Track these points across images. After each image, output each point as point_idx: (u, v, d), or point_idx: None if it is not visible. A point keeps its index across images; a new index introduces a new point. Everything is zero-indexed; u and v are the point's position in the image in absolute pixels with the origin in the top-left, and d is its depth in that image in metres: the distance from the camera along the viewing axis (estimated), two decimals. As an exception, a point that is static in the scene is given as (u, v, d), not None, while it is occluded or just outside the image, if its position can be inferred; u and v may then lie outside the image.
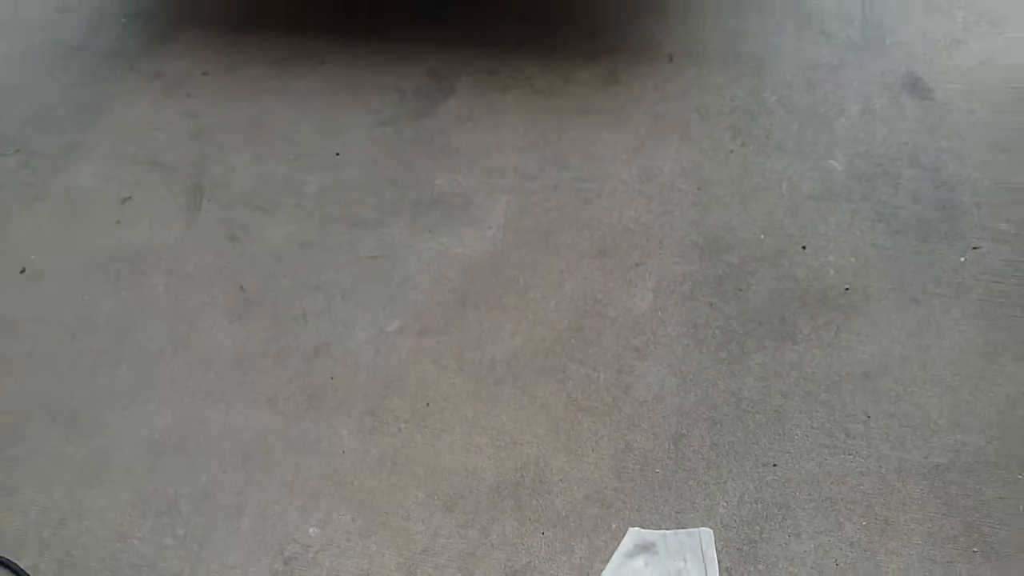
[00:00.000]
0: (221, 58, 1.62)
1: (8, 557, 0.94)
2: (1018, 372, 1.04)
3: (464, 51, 1.58)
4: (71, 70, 1.62)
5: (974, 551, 0.89)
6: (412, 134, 1.43)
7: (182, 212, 1.33)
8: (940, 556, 0.89)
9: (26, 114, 1.54)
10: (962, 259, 1.17)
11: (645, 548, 0.91)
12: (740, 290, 1.16)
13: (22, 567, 0.93)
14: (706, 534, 0.92)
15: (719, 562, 0.89)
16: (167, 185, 1.37)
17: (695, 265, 1.19)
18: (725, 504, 0.94)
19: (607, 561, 0.90)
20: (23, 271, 1.26)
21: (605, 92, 1.48)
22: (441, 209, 1.30)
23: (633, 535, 0.92)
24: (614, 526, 0.93)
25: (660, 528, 0.93)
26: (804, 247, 1.20)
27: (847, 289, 1.14)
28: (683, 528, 0.92)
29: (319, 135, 1.44)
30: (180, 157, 1.42)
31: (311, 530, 0.95)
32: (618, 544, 0.92)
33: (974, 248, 1.19)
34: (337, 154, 1.40)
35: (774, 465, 0.97)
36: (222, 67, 1.60)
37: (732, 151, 1.35)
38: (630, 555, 0.91)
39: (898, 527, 0.91)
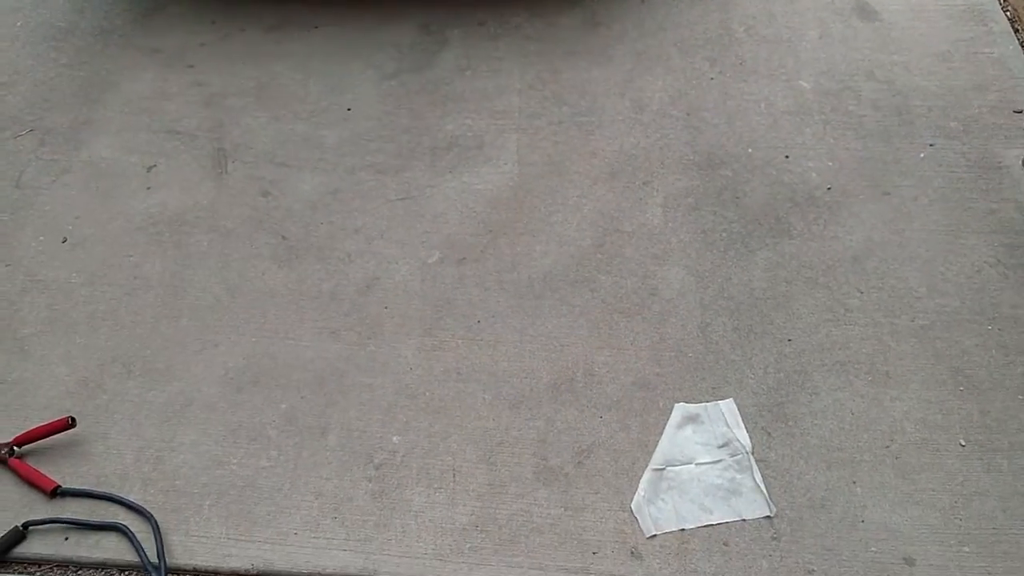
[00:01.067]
0: (214, 28, 1.67)
1: (117, 494, 1.02)
2: (979, 244, 1.21)
3: (452, 5, 1.66)
4: (65, 51, 1.65)
5: (960, 390, 1.06)
6: (416, 85, 1.51)
7: (209, 174, 1.39)
8: (934, 397, 1.06)
9: (30, 96, 1.56)
10: (921, 155, 1.34)
11: (691, 419, 1.05)
12: (737, 198, 1.30)
13: (132, 501, 1.01)
14: (727, 403, 1.06)
15: (756, 422, 1.04)
16: (189, 151, 1.43)
17: (695, 180, 1.32)
18: (752, 376, 1.09)
19: (660, 434, 1.04)
20: (64, 240, 1.31)
21: (588, 34, 1.59)
22: (457, 151, 1.40)
23: (679, 409, 1.06)
24: (661, 404, 1.07)
25: (700, 402, 1.07)
26: (787, 156, 1.35)
27: (829, 189, 1.30)
28: (721, 400, 1.07)
29: (328, 93, 1.51)
30: (196, 124, 1.48)
31: (394, 438, 1.06)
32: (667, 419, 1.05)
33: (930, 145, 1.35)
34: (349, 109, 1.48)
35: (789, 340, 1.12)
36: (217, 37, 1.65)
37: (712, 78, 1.49)
38: (679, 426, 1.05)
39: (898, 378, 1.08)
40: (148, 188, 1.38)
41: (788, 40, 1.55)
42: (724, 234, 1.25)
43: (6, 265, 1.28)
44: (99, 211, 1.35)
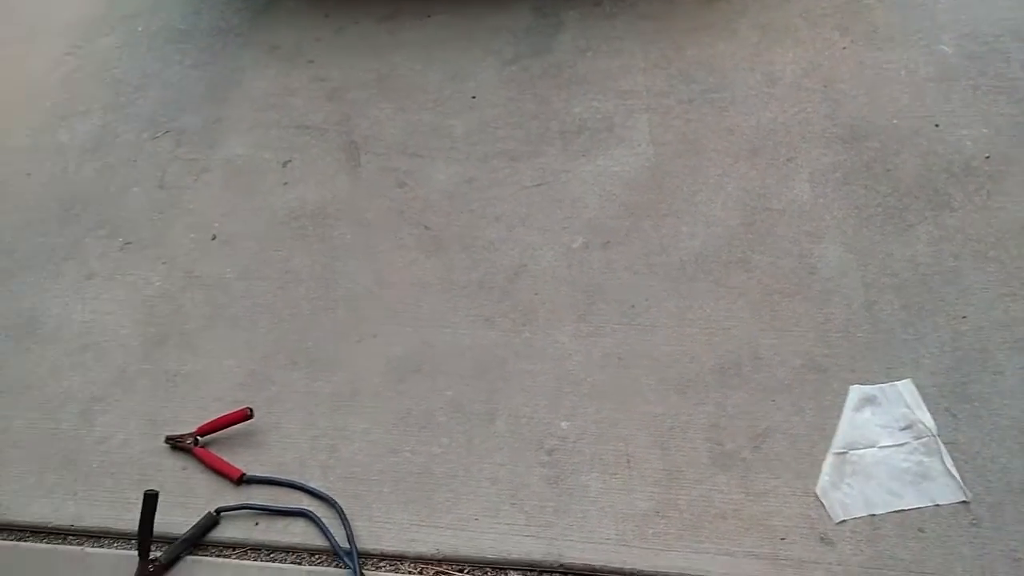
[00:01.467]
0: (328, 22, 1.68)
1: (300, 481, 1.05)
2: None
3: (565, -13, 1.65)
4: (188, 52, 1.68)
5: None
6: (537, 70, 1.50)
7: (344, 167, 1.41)
8: None
9: (162, 97, 1.60)
10: (1084, 119, 1.27)
11: (868, 401, 1.03)
12: (888, 170, 1.25)
13: (315, 488, 1.04)
14: (905, 384, 1.03)
15: (938, 404, 1.01)
16: (321, 145, 1.45)
17: (841, 155, 1.28)
18: (928, 356, 1.05)
19: (837, 417, 1.02)
20: (214, 237, 1.34)
21: (708, 9, 1.55)
22: (588, 134, 1.38)
23: (855, 391, 1.03)
24: (834, 386, 1.04)
25: (876, 383, 1.04)
26: (937, 125, 1.29)
27: (988, 157, 1.24)
28: (898, 381, 1.04)
29: (449, 81, 1.51)
30: (324, 118, 1.50)
31: (563, 424, 1.06)
32: (843, 401, 1.03)
33: (1092, 108, 1.28)
34: (473, 97, 1.48)
35: (963, 317, 1.08)
36: (332, 31, 1.66)
37: (845, 48, 1.44)
38: (857, 409, 1.02)
39: (1085, 353, 1.03)
40: (285, 183, 1.41)
41: (922, 3, 1.49)
42: (879, 209, 1.21)
43: (163, 263, 1.32)
44: (242, 207, 1.38)
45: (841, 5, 1.51)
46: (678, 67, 1.46)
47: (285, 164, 1.44)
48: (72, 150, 1.55)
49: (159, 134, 1.53)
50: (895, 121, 1.31)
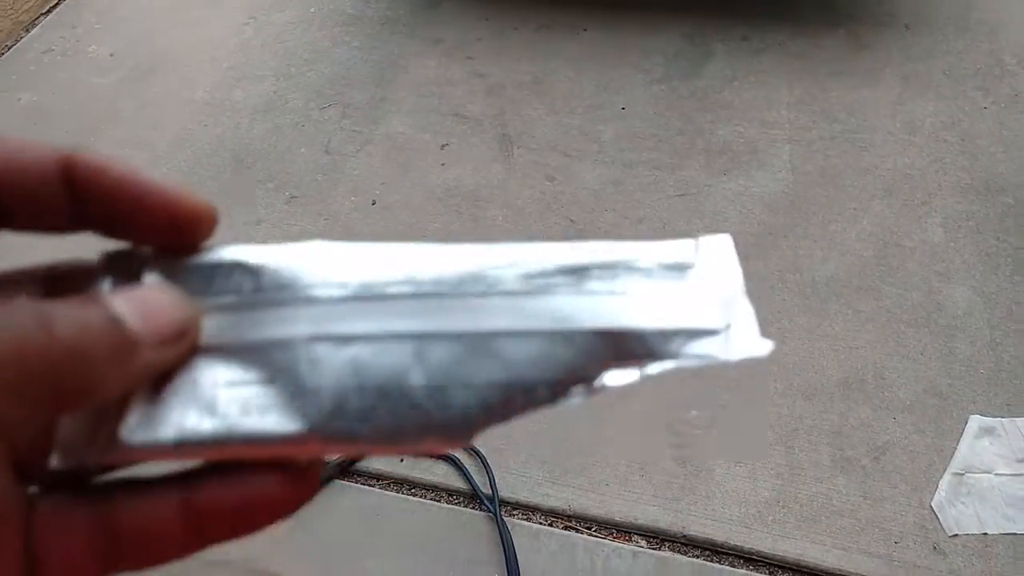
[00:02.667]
0: (488, 25, 1.81)
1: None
2: None
3: (714, 19, 1.75)
4: (357, 36, 1.83)
5: None
6: (685, 91, 1.61)
7: (497, 157, 1.53)
8: None
9: (330, 73, 1.75)
10: None
11: (987, 431, 1.09)
12: (1021, 225, 1.32)
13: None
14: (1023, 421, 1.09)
15: (1055, 442, 1.07)
16: (476, 134, 1.57)
17: (975, 205, 1.35)
18: (1047, 398, 1.11)
19: (956, 441, 1.08)
20: (374, 203, 1.47)
21: (854, 56, 1.64)
22: (730, 155, 1.47)
23: (975, 420, 1.10)
24: (954, 414, 1.11)
25: (996, 416, 1.10)
26: (1071, 191, 1.36)
27: (1120, 227, 1.30)
28: (1017, 417, 1.10)
29: (600, 91, 1.63)
30: (480, 110, 1.62)
31: (692, 411, 1.14)
32: (962, 428, 1.09)
33: None
34: (622, 108, 1.59)
35: (1086, 368, 1.14)
36: (492, 33, 1.79)
37: (985, 108, 1.51)
38: (976, 436, 1.09)
39: None
40: (442, 164, 1.53)
41: (1062, 76, 1.55)
42: (1009, 259, 1.27)
43: (325, 219, 1.45)
44: (401, 180, 1.51)
45: (984, 68, 1.58)
46: (821, 105, 1.54)
47: (443, 147, 1.56)
48: (245, 109, 1.70)
49: (326, 105, 1.67)
50: (1029, 181, 1.38)
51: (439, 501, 1.10)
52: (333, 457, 1.13)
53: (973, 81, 1.56)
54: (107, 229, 0.21)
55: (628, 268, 0.23)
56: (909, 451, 1.08)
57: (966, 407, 1.11)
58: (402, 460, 1.13)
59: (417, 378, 0.20)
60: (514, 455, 1.11)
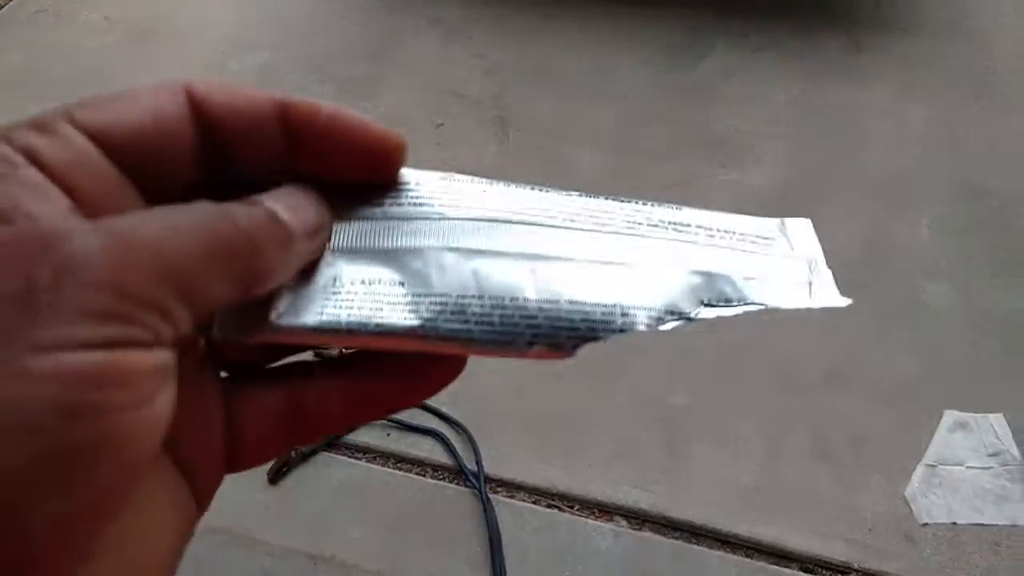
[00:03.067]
0: (489, 9, 1.81)
1: (432, 404, 1.16)
2: None
3: (716, 16, 1.76)
4: (354, 11, 1.82)
5: None
6: (684, 84, 1.62)
7: (494, 139, 1.53)
8: None
9: (327, 48, 1.74)
10: None
11: (961, 426, 1.12)
12: (1004, 229, 1.35)
13: (447, 413, 1.15)
14: (997, 417, 1.12)
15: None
16: (472, 115, 1.58)
17: (960, 206, 1.38)
18: (1021, 396, 1.14)
19: (930, 435, 1.11)
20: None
21: (852, 58, 1.66)
22: (725, 149, 1.49)
23: (949, 415, 1.13)
24: (930, 408, 1.13)
25: (970, 412, 1.13)
26: (1054, 198, 1.39)
27: (1099, 234, 1.33)
28: (990, 413, 1.13)
29: (600, 79, 1.63)
30: (479, 91, 1.62)
31: (678, 398, 1.16)
32: (937, 422, 1.12)
33: None
34: (622, 97, 1.60)
35: (1060, 369, 1.17)
36: (493, 15, 1.79)
37: (976, 113, 1.54)
38: (950, 431, 1.11)
39: None
40: (438, 143, 1.53)
41: (1051, 85, 1.58)
42: (991, 260, 1.30)
43: (320, 193, 1.45)
44: (396, 157, 1.51)
45: (977, 74, 1.61)
46: (817, 105, 1.56)
47: (438, 126, 1.56)
48: (241, 80, 1.69)
49: (323, 79, 1.66)
50: (1016, 185, 1.41)
51: (424, 476, 1.11)
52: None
53: (965, 87, 1.58)
54: (318, 166, 0.23)
55: (724, 231, 0.26)
56: (885, 442, 1.10)
57: (942, 403, 1.14)
58: (388, 435, 1.14)
59: (531, 292, 0.22)
60: (500, 433, 1.13)
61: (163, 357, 0.17)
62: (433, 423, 1.14)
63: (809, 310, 0.25)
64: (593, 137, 1.52)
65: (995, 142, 1.47)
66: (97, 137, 0.19)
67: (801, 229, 0.29)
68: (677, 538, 1.03)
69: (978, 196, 1.39)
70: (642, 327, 0.22)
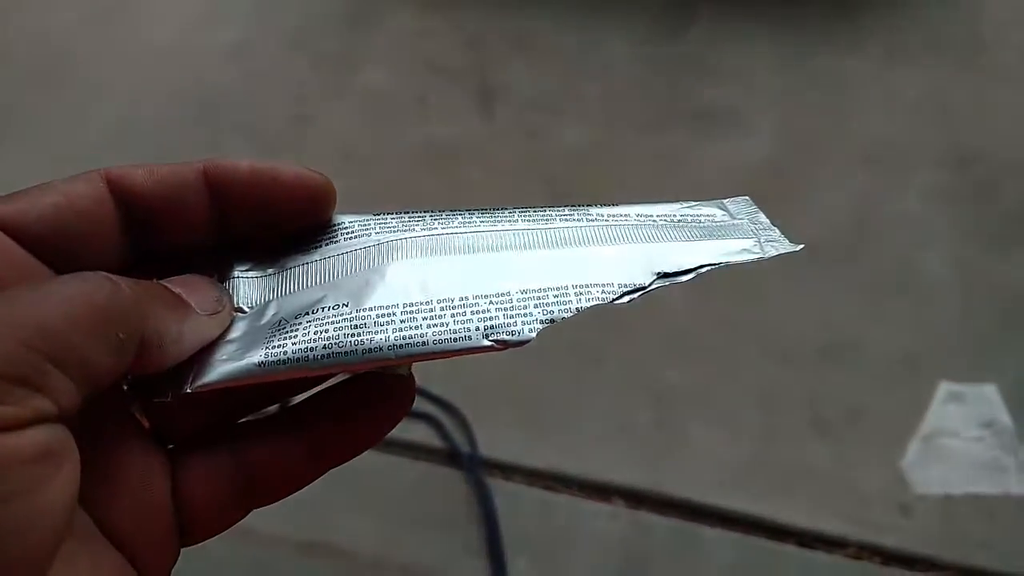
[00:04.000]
0: (468, -24, 1.76)
1: (425, 387, 1.13)
2: None
3: (699, -22, 1.72)
4: (331, -19, 1.76)
5: None
6: (670, 52, 1.58)
7: (476, 112, 1.49)
8: None
9: (301, 20, 1.69)
10: None
11: (955, 397, 1.11)
12: (993, 196, 1.34)
13: (440, 395, 1.13)
14: (990, 388, 1.12)
15: (1021, 410, 1.10)
16: (455, 88, 1.54)
17: (950, 175, 1.37)
18: (1014, 366, 1.14)
19: (925, 407, 1.11)
20: (347, 156, 1.43)
21: (840, 22, 1.63)
22: (712, 119, 1.46)
23: (945, 387, 1.12)
24: (925, 380, 1.13)
25: (964, 383, 1.13)
26: (1043, 164, 1.38)
27: (1089, 200, 1.32)
28: (984, 384, 1.13)
29: (584, 49, 1.59)
30: (461, 64, 1.58)
31: (670, 375, 1.15)
32: (932, 394, 1.12)
33: None
34: (605, 67, 1.56)
35: (1052, 337, 1.17)
36: (472, -16, 1.74)
37: (963, 79, 1.52)
38: (944, 402, 1.11)
39: None
40: (420, 118, 1.49)
41: (1038, 49, 1.56)
42: (983, 229, 1.29)
43: (299, 172, 1.41)
44: (376, 133, 1.47)
45: (964, 40, 1.59)
46: (804, 71, 1.54)
47: (420, 100, 1.52)
48: (212, 55, 1.63)
49: (298, 54, 1.61)
50: (1006, 153, 1.39)
51: (417, 460, 1.09)
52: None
53: (953, 53, 1.56)
54: (249, 222, 0.23)
55: (663, 215, 0.27)
56: (881, 415, 1.10)
57: (936, 374, 1.13)
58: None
59: (479, 288, 0.23)
60: (492, 415, 1.11)
61: (44, 435, 0.16)
62: (425, 407, 1.12)
63: (762, 260, 0.26)
64: (578, 110, 1.49)
65: (984, 110, 1.46)
66: (9, 227, 0.19)
67: (741, 204, 0.30)
68: (674, 517, 1.02)
69: (967, 164, 1.38)
70: (596, 302, 0.23)
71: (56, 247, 0.20)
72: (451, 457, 1.08)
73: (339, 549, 1.01)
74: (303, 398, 0.24)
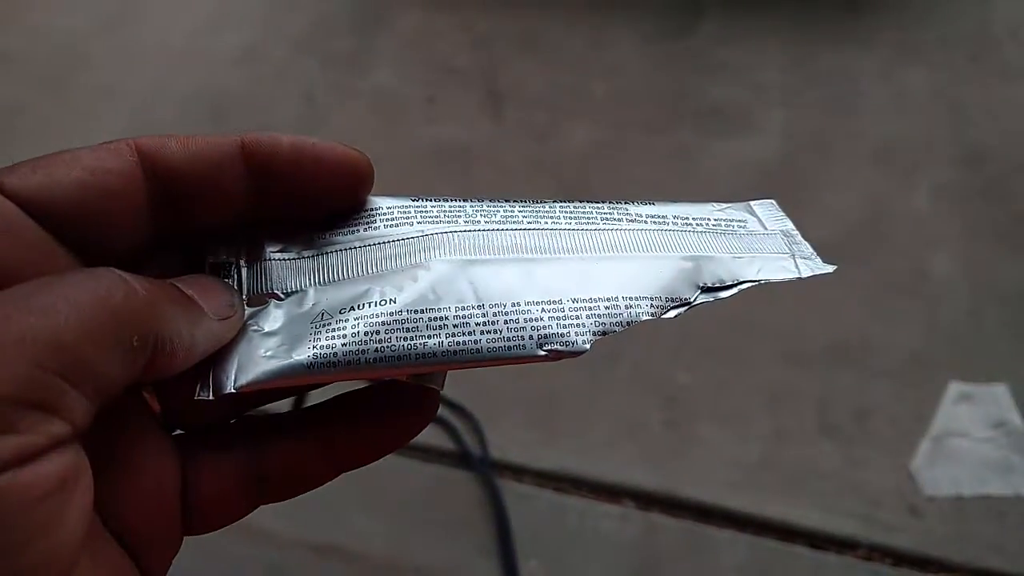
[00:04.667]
0: (476, -25, 1.76)
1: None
2: None
3: (708, -24, 1.72)
4: (339, -19, 1.77)
5: None
6: (678, 50, 1.58)
7: (485, 113, 1.50)
8: None
9: (311, 23, 1.69)
10: None
11: (965, 398, 1.12)
12: (1003, 195, 1.33)
13: (451, 398, 1.14)
14: (1001, 388, 1.12)
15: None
16: (464, 88, 1.54)
17: (960, 173, 1.36)
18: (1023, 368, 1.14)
19: (934, 407, 1.11)
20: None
21: (848, 19, 1.63)
22: (722, 118, 1.46)
23: (954, 387, 1.12)
24: (934, 380, 1.13)
25: (974, 383, 1.13)
26: (1054, 162, 1.37)
27: (1100, 198, 1.32)
28: (994, 384, 1.13)
29: (591, 48, 1.60)
30: (469, 64, 1.58)
31: (681, 377, 1.15)
32: (941, 394, 1.12)
33: None
34: (614, 66, 1.56)
35: (1063, 337, 1.17)
36: (480, -17, 1.74)
37: (974, 77, 1.51)
38: (954, 402, 1.11)
39: None
40: (429, 118, 1.50)
41: (1049, 45, 1.55)
42: (992, 228, 1.29)
43: (310, 174, 1.42)
44: (386, 134, 1.47)
45: (974, 37, 1.58)
46: (813, 69, 1.53)
47: (430, 101, 1.52)
48: (223, 57, 1.64)
49: (308, 56, 1.61)
50: (1016, 151, 1.39)
51: (429, 462, 1.10)
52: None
53: (963, 50, 1.56)
54: (286, 201, 0.22)
55: (699, 219, 0.27)
56: (890, 416, 1.10)
57: (946, 374, 1.14)
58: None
59: (532, 295, 0.22)
60: (503, 417, 1.12)
61: (60, 464, 0.15)
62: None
63: (799, 280, 0.26)
64: (588, 109, 1.49)
65: (993, 108, 1.45)
66: (28, 203, 0.18)
67: (768, 208, 0.31)
68: (685, 518, 1.03)
69: (978, 162, 1.38)
70: (647, 317, 0.23)
71: (78, 228, 0.19)
72: (462, 459, 1.09)
73: (352, 551, 1.02)
74: (324, 398, 0.24)
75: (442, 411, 1.12)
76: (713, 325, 1.19)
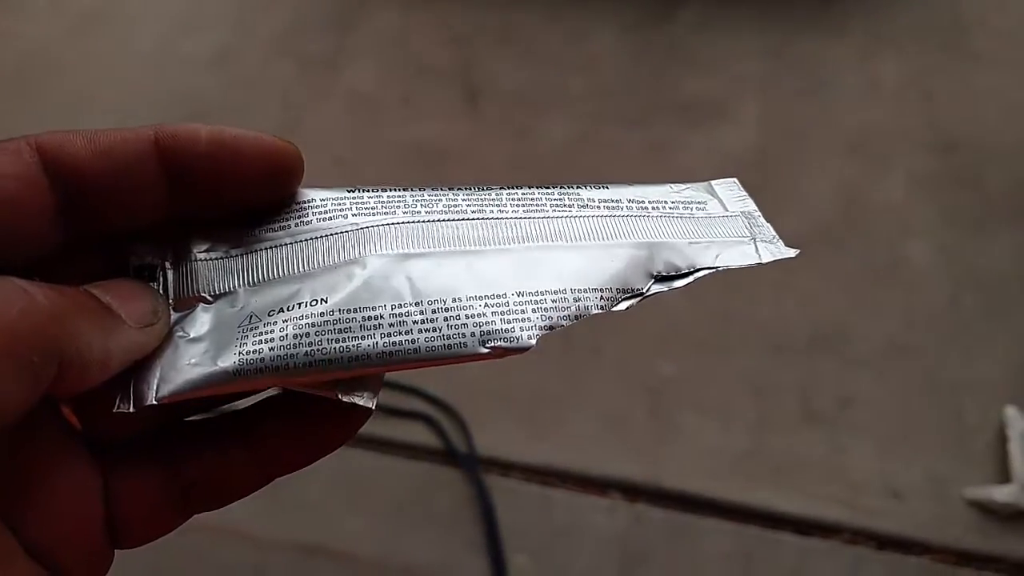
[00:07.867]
0: (450, -28, 1.75)
1: (422, 387, 1.14)
2: None
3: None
4: (313, -19, 1.75)
5: None
6: (656, 41, 1.59)
7: (463, 111, 1.50)
8: None
9: (284, 23, 1.68)
10: None
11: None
12: (977, 182, 1.35)
13: (436, 395, 1.13)
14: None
15: (1012, 395, 1.11)
16: (441, 87, 1.54)
17: (934, 162, 1.38)
18: (1003, 351, 1.16)
19: (915, 394, 1.12)
20: (335, 161, 1.43)
21: (824, 8, 1.64)
22: (699, 110, 1.47)
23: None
24: (915, 367, 1.15)
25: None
26: (1026, 147, 1.39)
27: (1071, 182, 1.34)
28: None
29: (570, 42, 1.60)
30: (445, 62, 1.58)
31: (665, 367, 1.16)
32: (920, 381, 1.13)
33: None
34: (591, 59, 1.56)
35: (1037, 319, 1.18)
36: (455, -19, 1.74)
37: (946, 65, 1.53)
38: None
39: None
40: (406, 119, 1.49)
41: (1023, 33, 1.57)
42: (968, 216, 1.31)
43: (288, 176, 1.41)
44: (363, 136, 1.47)
45: (945, 25, 1.59)
46: (789, 59, 1.55)
47: (406, 101, 1.52)
48: (197, 60, 1.63)
49: (282, 57, 1.60)
50: (989, 138, 1.41)
51: (414, 460, 1.10)
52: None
53: (935, 38, 1.57)
54: (206, 197, 0.21)
55: (655, 202, 0.27)
56: (872, 403, 1.11)
57: (924, 361, 1.15)
58: (374, 418, 1.12)
59: (473, 289, 0.21)
60: (487, 412, 1.12)
61: None
62: (420, 406, 1.13)
63: (760, 265, 0.26)
64: (564, 105, 1.49)
65: (965, 96, 1.47)
66: None
67: (730, 187, 0.30)
68: (672, 509, 1.04)
69: (951, 150, 1.39)
70: (597, 310, 0.22)
71: None
72: (448, 456, 1.09)
73: (340, 552, 1.02)
74: (249, 403, 0.23)
75: (426, 408, 1.12)
76: (694, 316, 1.20)
